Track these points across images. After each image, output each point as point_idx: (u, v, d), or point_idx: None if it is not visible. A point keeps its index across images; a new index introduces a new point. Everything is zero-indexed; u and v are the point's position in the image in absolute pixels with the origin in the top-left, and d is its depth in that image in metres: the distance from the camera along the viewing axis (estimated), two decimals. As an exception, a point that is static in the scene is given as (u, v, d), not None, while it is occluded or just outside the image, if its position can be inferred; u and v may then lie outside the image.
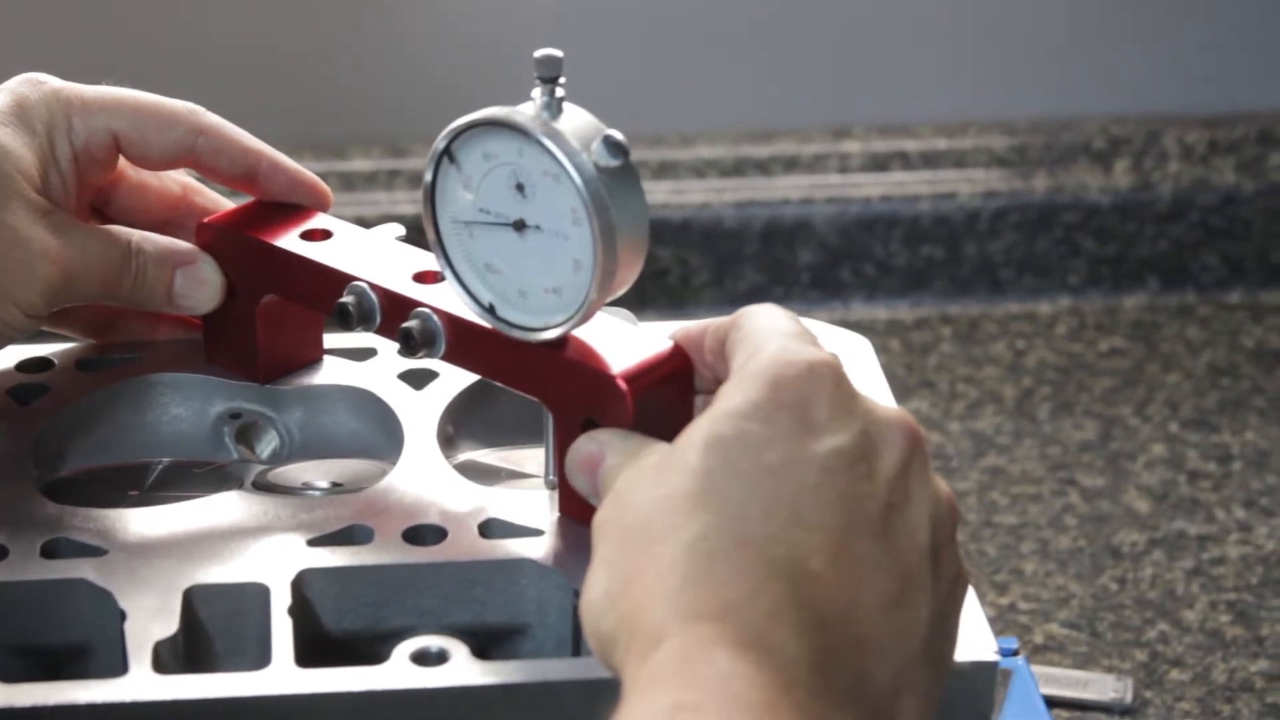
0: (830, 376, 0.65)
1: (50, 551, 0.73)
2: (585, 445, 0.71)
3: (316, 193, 0.83)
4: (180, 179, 0.86)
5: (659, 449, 0.67)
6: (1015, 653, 0.95)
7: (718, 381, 0.70)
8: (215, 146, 0.82)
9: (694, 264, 1.32)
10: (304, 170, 0.83)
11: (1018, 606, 1.06)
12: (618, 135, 0.70)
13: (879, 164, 1.34)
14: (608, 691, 0.67)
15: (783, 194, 1.33)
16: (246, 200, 0.84)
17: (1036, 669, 0.98)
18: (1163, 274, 1.35)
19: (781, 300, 1.31)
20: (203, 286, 0.81)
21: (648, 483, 0.64)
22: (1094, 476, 1.17)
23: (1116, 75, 1.37)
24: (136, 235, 0.81)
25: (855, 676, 0.61)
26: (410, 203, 1.29)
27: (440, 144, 0.73)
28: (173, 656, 0.68)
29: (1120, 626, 1.05)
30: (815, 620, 0.60)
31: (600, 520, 0.65)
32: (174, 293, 0.81)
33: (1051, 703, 0.97)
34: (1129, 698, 0.99)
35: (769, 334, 0.67)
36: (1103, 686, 1.00)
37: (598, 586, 0.63)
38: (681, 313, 1.29)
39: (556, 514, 0.75)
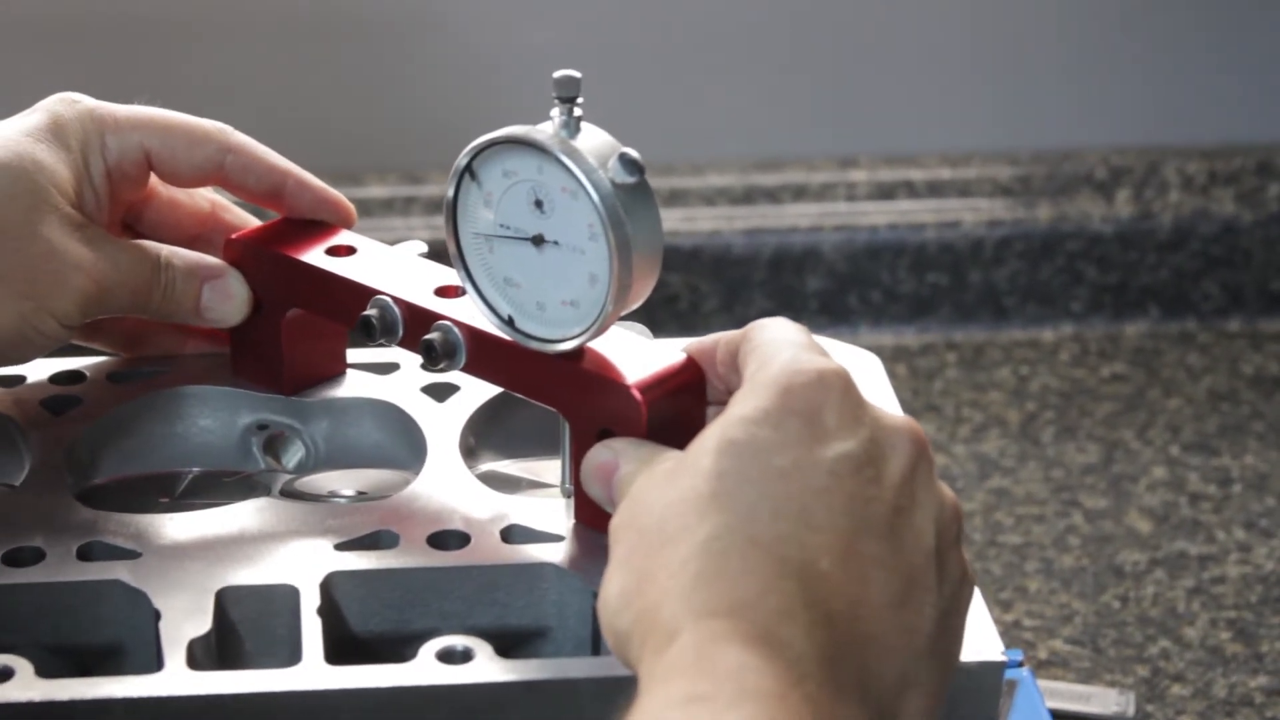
0: (839, 385, 0.67)
1: (86, 554, 0.75)
2: (600, 453, 0.73)
3: (341, 210, 0.85)
4: (209, 196, 0.88)
5: (672, 455, 0.70)
6: (1020, 664, 0.97)
7: (729, 392, 0.72)
8: (243, 164, 0.84)
9: (704, 290, 1.35)
10: (329, 188, 0.85)
11: (1022, 623, 1.08)
12: (633, 153, 0.73)
13: (885, 193, 1.36)
14: (625, 689, 0.69)
15: (791, 222, 1.35)
16: (274, 218, 0.87)
17: (1041, 683, 1.00)
18: (1164, 302, 1.37)
19: (790, 326, 1.34)
20: (229, 300, 0.83)
21: (661, 486, 0.66)
22: (1096, 498, 1.19)
23: (1118, 107, 1.39)
24: (166, 250, 0.83)
25: (862, 672, 0.63)
26: (426, 228, 1.31)
27: (462, 161, 0.75)
28: (206, 655, 0.70)
29: (1123, 643, 1.07)
30: (823, 618, 0.62)
31: (616, 524, 0.67)
32: (201, 305, 0.83)
33: (1056, 716, 0.99)
34: (1131, 711, 1.01)
35: (780, 344, 0.69)
36: (1106, 700, 1.02)
37: (614, 586, 0.65)
38: (692, 336, 1.31)
39: (573, 521, 0.77)
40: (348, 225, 0.85)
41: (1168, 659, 1.06)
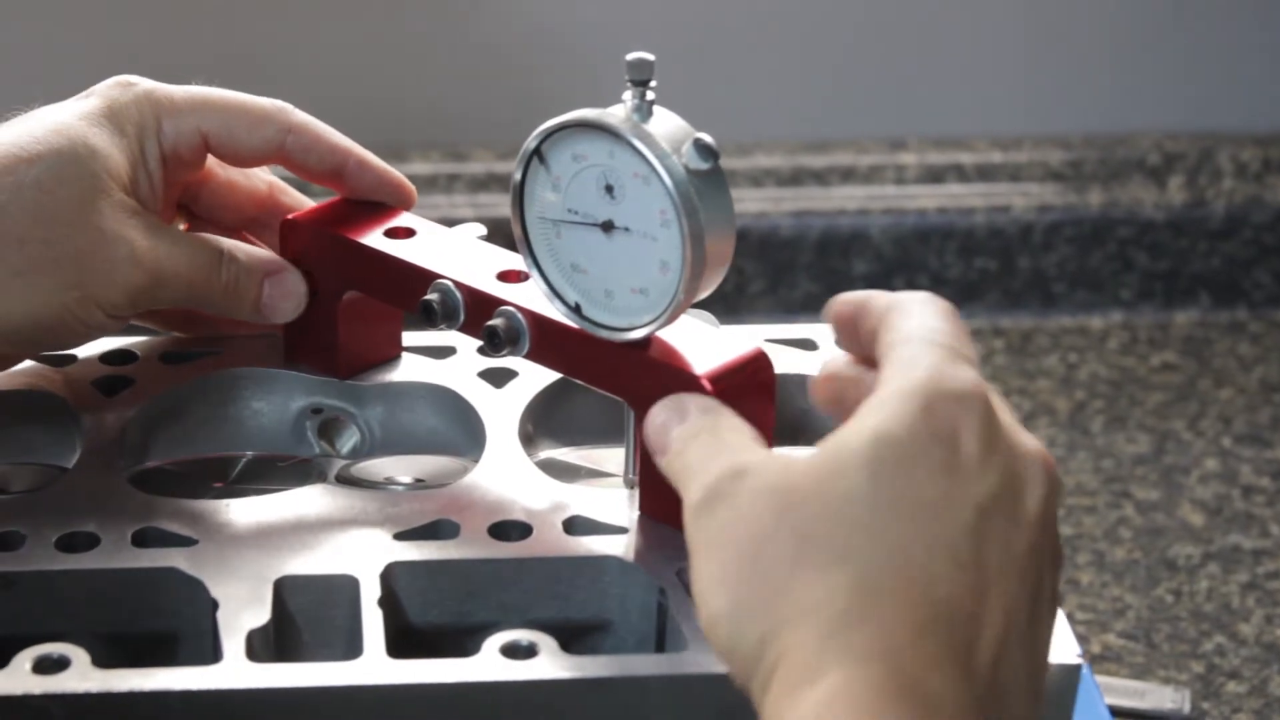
0: (980, 407, 0.63)
1: (141, 540, 0.73)
2: (672, 405, 0.69)
3: (402, 190, 0.84)
4: (266, 178, 0.86)
5: (784, 455, 0.65)
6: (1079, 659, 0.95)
7: (863, 358, 0.69)
8: (304, 144, 0.82)
9: (750, 272, 1.33)
10: (390, 168, 0.84)
11: (1075, 617, 1.07)
12: (708, 139, 0.71)
13: (935, 176, 1.35)
14: (692, 687, 0.68)
15: (839, 204, 1.34)
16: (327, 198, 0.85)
17: (1095, 678, 0.99)
18: (1215, 290, 1.35)
19: (835, 310, 1.32)
20: (289, 298, 0.82)
21: (777, 500, 0.62)
22: (1148, 490, 1.17)
23: (1172, 92, 1.37)
24: (227, 244, 0.81)
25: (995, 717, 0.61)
26: (469, 205, 1.30)
27: (530, 144, 0.73)
28: (264, 646, 0.69)
29: (1177, 638, 1.05)
30: (968, 666, 0.60)
31: (703, 523, 0.63)
32: (261, 302, 0.82)
33: (1111, 712, 0.98)
34: (1187, 708, 1.00)
35: (923, 347, 0.64)
36: (1160, 697, 1.01)
37: (726, 599, 0.61)
38: (736, 320, 1.30)
39: (637, 513, 0.76)
40: (408, 206, 0.84)
41: (1223, 655, 1.04)
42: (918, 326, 0.65)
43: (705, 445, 0.67)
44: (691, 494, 0.64)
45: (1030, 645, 0.62)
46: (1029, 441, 0.65)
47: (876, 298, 0.68)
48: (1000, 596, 0.61)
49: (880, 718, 0.57)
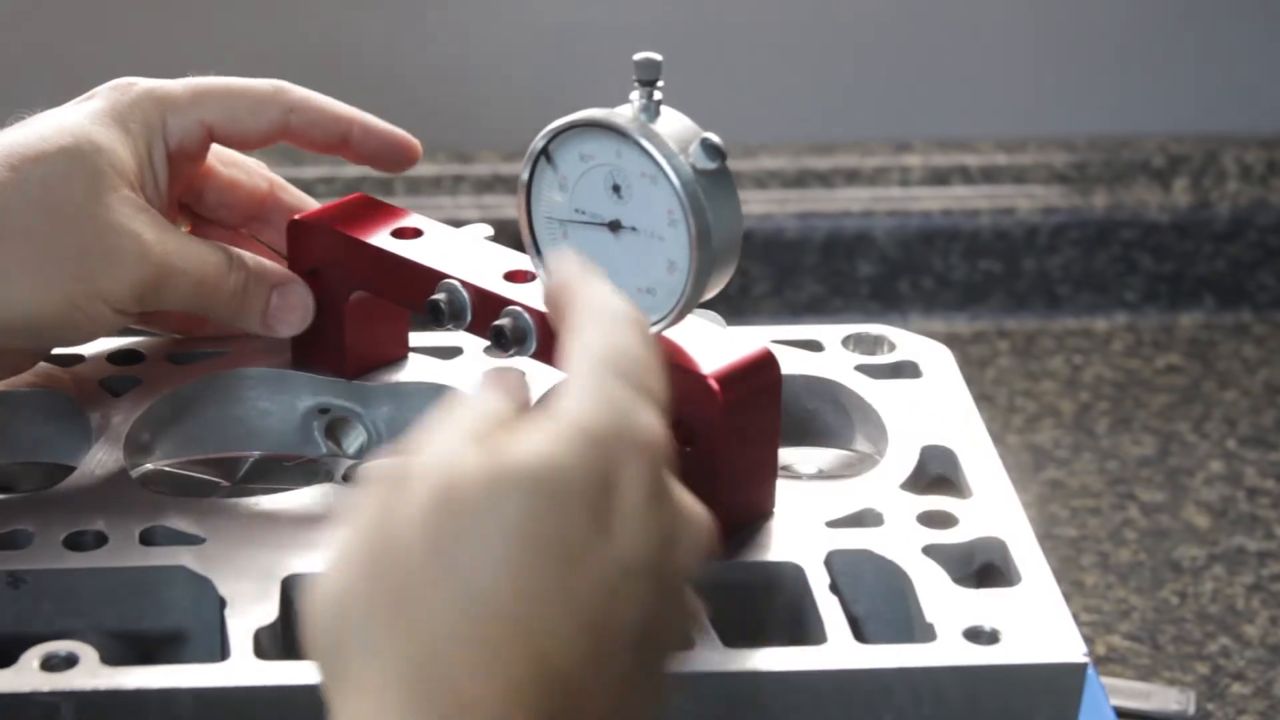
0: (655, 460, 0.59)
1: (148, 539, 0.73)
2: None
3: (408, 148, 0.84)
4: (267, 176, 0.87)
5: (451, 452, 0.57)
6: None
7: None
8: (308, 120, 0.83)
9: (754, 274, 1.33)
10: (394, 129, 0.84)
11: (1080, 618, 1.07)
12: (715, 138, 0.71)
13: (939, 178, 1.35)
14: (700, 686, 0.68)
15: (844, 206, 1.34)
16: (332, 199, 0.85)
17: (1100, 680, 0.99)
18: (1219, 292, 1.36)
19: (840, 312, 1.33)
20: (295, 310, 0.82)
21: (433, 500, 0.56)
22: (1153, 491, 1.17)
23: (1177, 94, 1.38)
24: (237, 251, 0.81)
25: None
26: (475, 207, 1.30)
27: (538, 144, 0.74)
28: (272, 644, 0.69)
29: (1182, 640, 1.05)
30: None
31: (374, 490, 0.58)
32: (268, 313, 0.82)
33: (1116, 713, 0.98)
34: (1192, 710, 1.00)
35: (616, 382, 0.60)
36: (1166, 698, 1.01)
37: (341, 580, 0.57)
38: (741, 321, 1.30)
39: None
40: (414, 161, 0.84)
41: (1228, 657, 1.04)
42: (617, 352, 0.61)
43: (460, 418, 0.60)
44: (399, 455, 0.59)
45: None
46: (694, 505, 0.60)
47: (581, 288, 0.63)
48: (616, 668, 0.56)
49: None
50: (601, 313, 0.62)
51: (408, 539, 0.56)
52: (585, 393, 0.59)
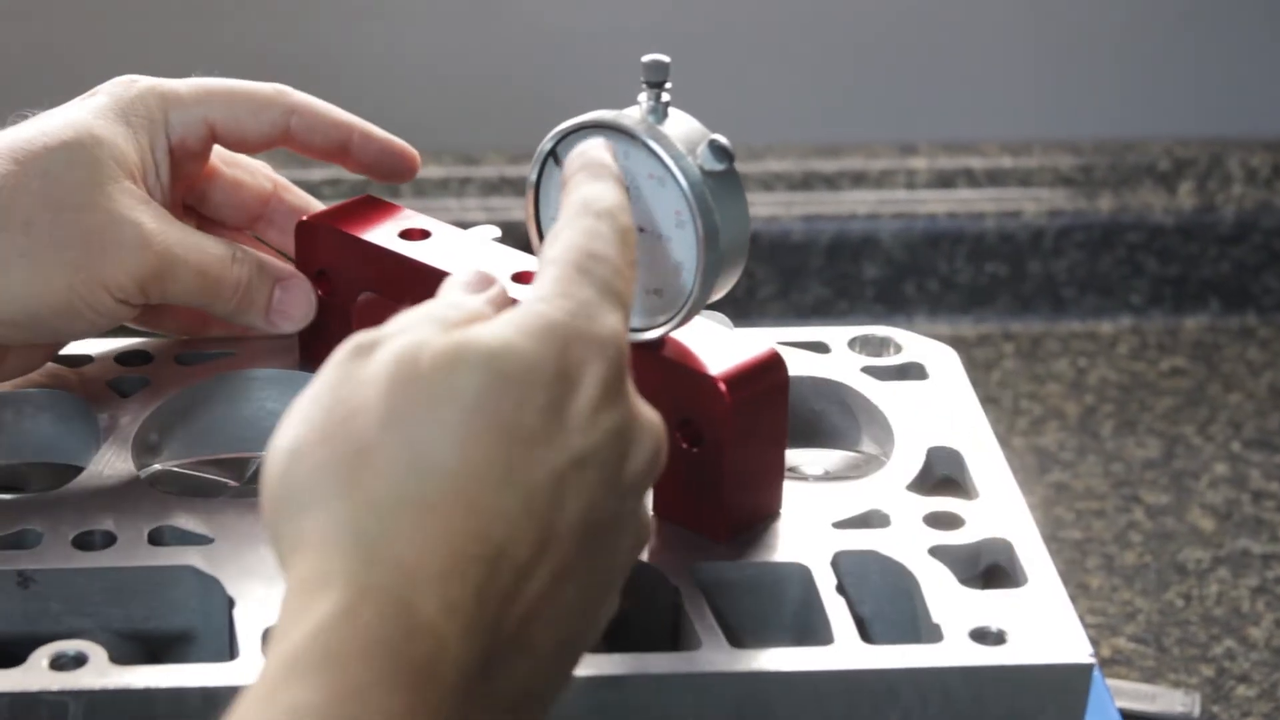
0: (614, 358, 0.60)
1: (157, 539, 0.74)
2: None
3: (407, 158, 0.85)
4: (271, 176, 0.87)
5: (455, 350, 0.59)
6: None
7: None
8: (308, 124, 0.83)
9: (760, 276, 1.33)
10: (393, 138, 0.85)
11: (1085, 620, 1.07)
12: (723, 140, 0.71)
13: (945, 181, 1.35)
14: (708, 685, 0.68)
15: (850, 209, 1.34)
16: (335, 201, 0.86)
17: (1105, 682, 0.99)
18: (1224, 295, 1.36)
19: (846, 315, 1.33)
20: (299, 306, 0.82)
21: (393, 373, 0.58)
22: (1158, 494, 1.18)
23: (1182, 97, 1.38)
24: (240, 246, 0.82)
25: (506, 683, 0.57)
26: (481, 209, 1.30)
27: (546, 145, 0.74)
28: (280, 643, 0.69)
29: (1187, 642, 1.06)
30: (491, 621, 0.56)
31: (335, 364, 0.60)
32: (272, 308, 0.82)
33: (1121, 715, 0.98)
34: (1197, 712, 1.00)
35: (581, 277, 0.62)
36: (1171, 700, 1.01)
37: (293, 435, 0.58)
38: (746, 324, 1.30)
39: (651, 513, 0.76)
40: (414, 172, 0.85)
41: (1233, 659, 1.04)
42: (588, 252, 0.63)
43: (432, 306, 0.62)
44: (363, 337, 0.61)
45: (572, 618, 0.59)
46: (650, 411, 0.62)
47: (577, 186, 0.65)
48: (558, 557, 0.58)
49: (367, 663, 0.54)
50: (584, 213, 0.64)
51: (364, 403, 0.58)
52: (551, 288, 0.61)
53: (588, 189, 0.66)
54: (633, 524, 0.61)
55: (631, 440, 0.61)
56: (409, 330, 0.60)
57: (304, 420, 0.59)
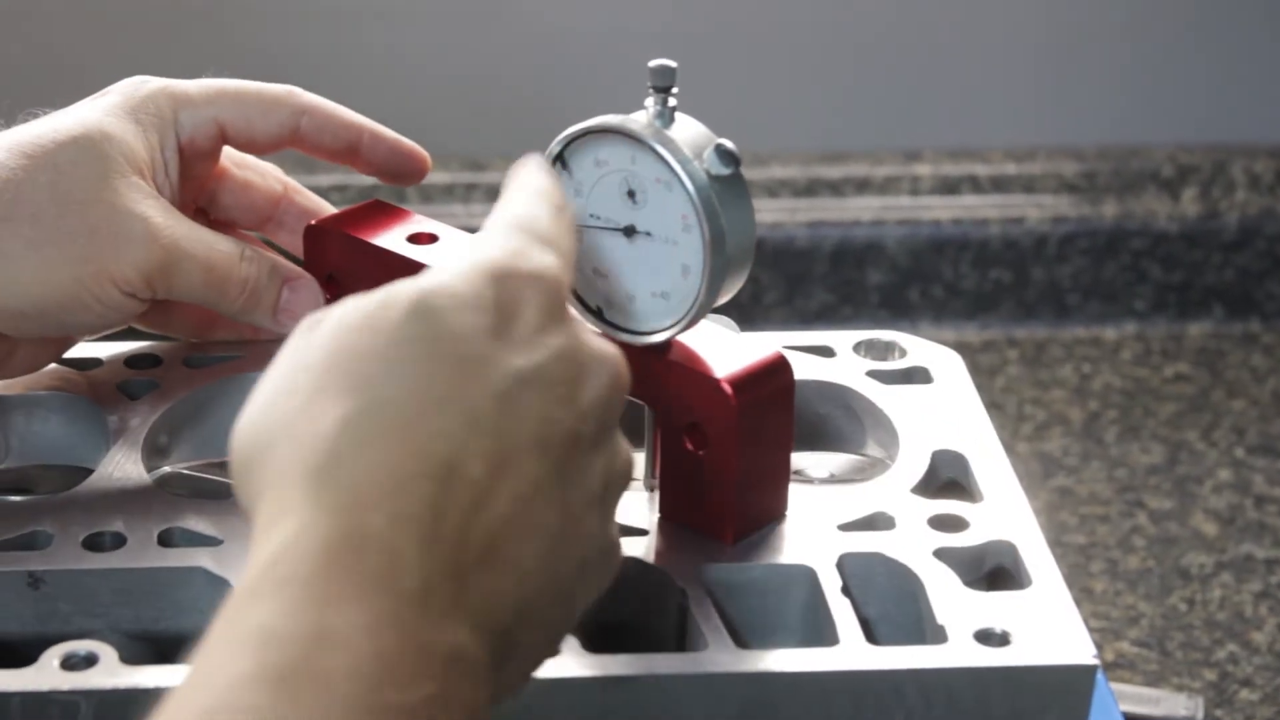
0: (550, 289, 0.62)
1: (166, 540, 0.74)
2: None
3: (417, 159, 0.86)
4: (281, 178, 0.88)
5: (388, 292, 0.62)
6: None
7: None
8: (318, 125, 0.84)
9: (765, 282, 1.34)
10: (403, 139, 0.85)
11: (1088, 624, 1.07)
12: (729, 144, 0.72)
13: (949, 187, 1.35)
14: (714, 686, 0.68)
15: (854, 215, 1.35)
16: (345, 205, 0.86)
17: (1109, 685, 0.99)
18: (1228, 302, 1.36)
19: (850, 320, 1.33)
20: (307, 306, 0.83)
21: (335, 329, 0.61)
22: (1161, 499, 1.18)
23: (1186, 104, 1.38)
24: (249, 246, 0.82)
25: (483, 596, 0.58)
26: (487, 215, 1.30)
27: (553, 150, 0.74)
28: (289, 644, 0.70)
29: (1190, 646, 1.06)
30: (450, 534, 0.57)
31: (295, 340, 0.62)
32: (279, 308, 0.82)
33: (1125, 719, 0.98)
34: (1200, 716, 1.00)
35: (509, 229, 0.64)
36: (1174, 704, 1.01)
37: (254, 408, 0.61)
38: (751, 329, 1.30)
39: (657, 515, 0.76)
40: (424, 173, 0.86)
41: (1236, 663, 1.05)
42: (524, 216, 0.65)
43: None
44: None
45: (551, 538, 0.60)
46: (601, 341, 0.63)
47: (516, 173, 0.68)
48: (520, 474, 0.59)
49: (323, 577, 0.55)
50: (523, 189, 0.67)
51: (311, 359, 0.60)
52: (487, 240, 0.64)
53: (521, 173, 0.68)
54: (605, 448, 0.62)
55: (581, 364, 0.62)
56: (357, 300, 0.62)
57: (260, 391, 0.61)
